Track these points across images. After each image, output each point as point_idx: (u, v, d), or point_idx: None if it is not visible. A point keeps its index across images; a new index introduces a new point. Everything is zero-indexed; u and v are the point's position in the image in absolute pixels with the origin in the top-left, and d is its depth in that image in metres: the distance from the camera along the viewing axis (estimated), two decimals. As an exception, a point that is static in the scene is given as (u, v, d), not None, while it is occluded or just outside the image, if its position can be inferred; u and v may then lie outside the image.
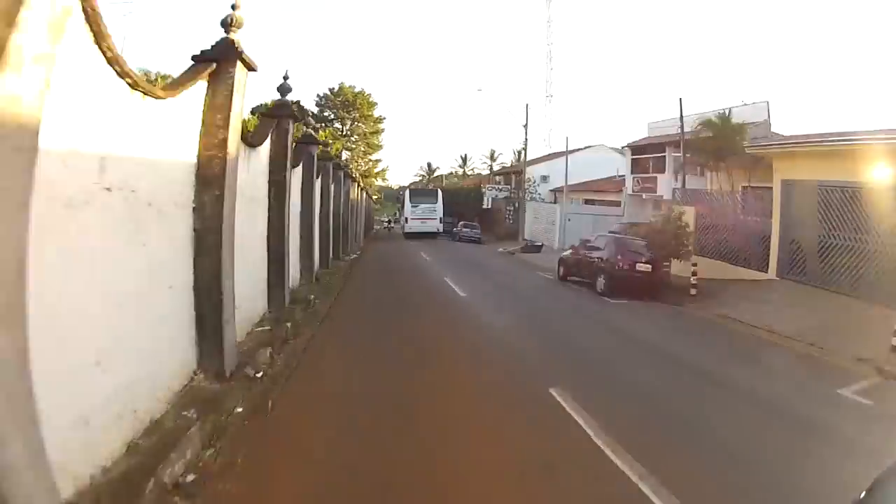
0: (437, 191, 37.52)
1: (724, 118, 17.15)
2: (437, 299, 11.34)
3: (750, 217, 14.55)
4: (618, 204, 28.78)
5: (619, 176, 33.23)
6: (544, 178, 34.30)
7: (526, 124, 28.43)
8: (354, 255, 20.22)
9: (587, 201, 31.06)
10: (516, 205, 35.29)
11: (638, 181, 26.33)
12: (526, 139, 28.64)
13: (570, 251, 14.99)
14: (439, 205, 33.68)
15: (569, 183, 29.67)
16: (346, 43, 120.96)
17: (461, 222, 34.70)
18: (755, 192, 15.24)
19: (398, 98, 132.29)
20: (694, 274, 12.90)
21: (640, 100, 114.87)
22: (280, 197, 7.42)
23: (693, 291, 12.72)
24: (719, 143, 16.43)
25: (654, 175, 25.35)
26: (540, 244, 25.36)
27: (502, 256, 24.14)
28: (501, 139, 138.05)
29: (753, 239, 13.92)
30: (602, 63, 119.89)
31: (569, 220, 26.14)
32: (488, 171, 63.46)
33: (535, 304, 11.70)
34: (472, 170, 70.87)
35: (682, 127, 18.82)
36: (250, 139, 6.44)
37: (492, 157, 68.04)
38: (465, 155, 73.29)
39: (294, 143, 10.89)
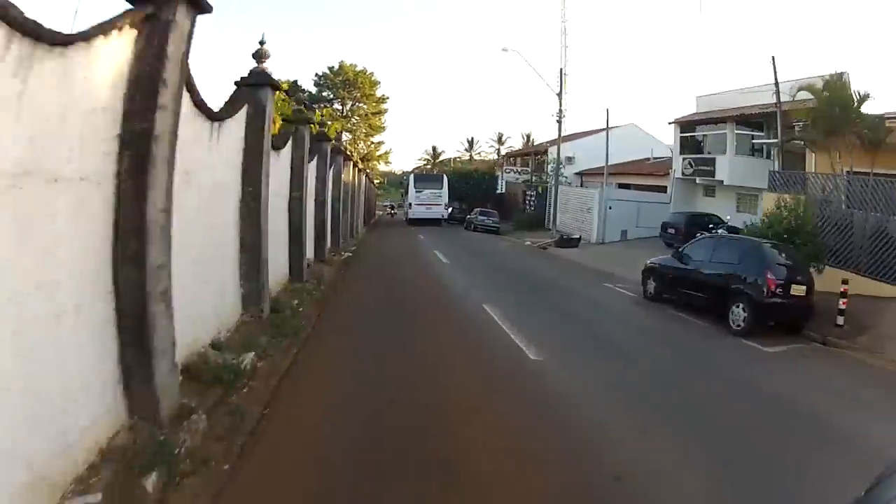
0: (442, 176, 35.21)
1: (839, 82, 12.74)
2: (493, 369, 5.84)
3: (862, 211, 10.80)
4: (658, 189, 24.90)
5: (656, 158, 29.36)
6: (569, 160, 29.95)
7: (560, 92, 24.03)
8: (348, 254, 15.91)
9: (621, 185, 26.76)
10: (539, 189, 31.21)
11: (690, 163, 22.07)
12: (560, 110, 24.21)
13: (664, 259, 10.55)
14: (445, 190, 31.94)
15: (599, 165, 25.37)
16: (347, 23, 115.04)
17: (477, 209, 31.21)
18: (863, 178, 11.33)
19: (402, 80, 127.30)
20: (843, 294, 8.74)
21: (663, 79, 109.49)
22: (138, 173, 3.14)
23: (840, 321, 8.67)
24: (835, 114, 12.11)
25: (712, 156, 21.14)
26: (577, 237, 20.99)
27: (536, 254, 19.51)
28: (508, 123, 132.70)
29: (883, 240, 10.17)
30: (621, 41, 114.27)
31: (609, 207, 21.74)
32: (496, 155, 61.08)
33: (669, 380, 5.98)
34: (479, 154, 68.82)
35: (777, 93, 14.46)
36: (37, 27, 2.20)
37: (500, 141, 66.48)
38: (472, 138, 70.94)
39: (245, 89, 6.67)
